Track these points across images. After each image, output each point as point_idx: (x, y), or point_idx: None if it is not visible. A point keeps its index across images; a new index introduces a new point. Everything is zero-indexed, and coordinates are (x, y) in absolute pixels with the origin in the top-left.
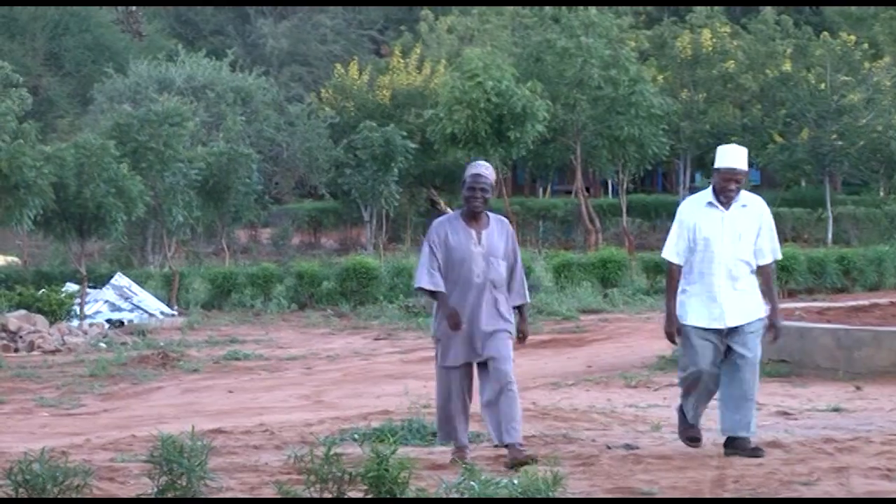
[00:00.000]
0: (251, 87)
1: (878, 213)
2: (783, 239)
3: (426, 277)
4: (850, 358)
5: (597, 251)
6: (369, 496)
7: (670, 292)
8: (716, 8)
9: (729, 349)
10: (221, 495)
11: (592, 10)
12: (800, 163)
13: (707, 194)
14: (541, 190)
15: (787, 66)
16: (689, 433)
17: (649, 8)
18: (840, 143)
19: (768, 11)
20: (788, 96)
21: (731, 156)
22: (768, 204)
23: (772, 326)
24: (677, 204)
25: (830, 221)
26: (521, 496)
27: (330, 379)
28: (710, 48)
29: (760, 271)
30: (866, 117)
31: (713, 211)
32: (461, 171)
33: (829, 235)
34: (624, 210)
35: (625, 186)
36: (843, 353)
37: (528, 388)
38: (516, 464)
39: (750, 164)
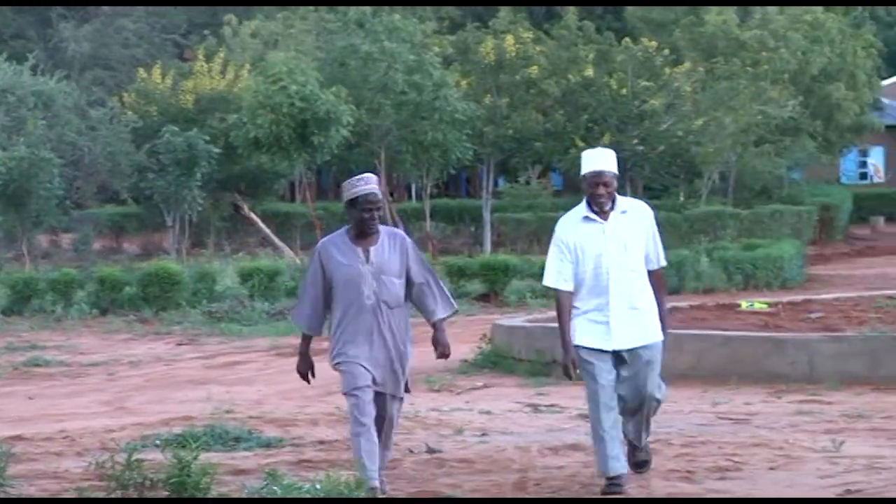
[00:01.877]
0: (52, 91)
1: (678, 218)
2: None
3: (298, 314)
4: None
5: None
6: (172, 498)
7: (563, 322)
8: (519, 14)
9: (621, 379)
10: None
11: (396, 15)
12: None
13: (581, 208)
14: None
15: (590, 72)
16: (613, 489)
17: (453, 14)
18: (641, 148)
19: (570, 17)
20: (591, 101)
21: (596, 158)
22: (569, 209)
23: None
24: (480, 208)
25: None
26: (325, 499)
27: (132, 385)
28: (514, 54)
29: (651, 277)
30: (667, 122)
31: (592, 225)
32: (265, 176)
33: None
34: (427, 214)
35: (428, 191)
36: None
37: (332, 391)
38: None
39: (552, 169)
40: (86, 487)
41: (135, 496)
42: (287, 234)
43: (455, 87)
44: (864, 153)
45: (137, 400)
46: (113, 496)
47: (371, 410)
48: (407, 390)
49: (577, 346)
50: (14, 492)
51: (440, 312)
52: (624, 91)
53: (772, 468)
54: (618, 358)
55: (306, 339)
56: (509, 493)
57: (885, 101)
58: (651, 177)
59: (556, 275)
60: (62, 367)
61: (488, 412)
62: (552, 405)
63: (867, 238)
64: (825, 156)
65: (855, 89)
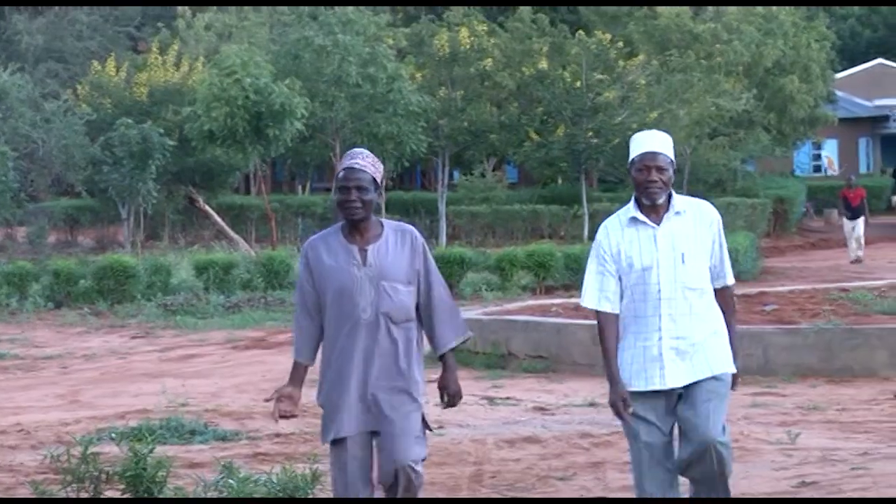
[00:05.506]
0: (6, 84)
1: None
2: (539, 236)
3: (294, 340)
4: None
5: None
6: (127, 495)
7: (608, 350)
8: (472, 7)
9: (678, 420)
10: None
11: (350, 7)
12: (556, 160)
13: (629, 209)
14: (300, 187)
15: (544, 65)
16: None
17: (407, 6)
18: (595, 140)
19: (525, 10)
20: (545, 94)
21: (647, 139)
22: (524, 202)
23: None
24: (435, 201)
25: (587, 218)
26: (280, 494)
27: (87, 378)
28: (468, 46)
29: (718, 296)
30: (621, 115)
31: (641, 229)
32: (220, 169)
33: (585, 232)
34: (383, 207)
35: (383, 184)
36: (599, 349)
37: None
38: None
39: (507, 162)
40: (41, 481)
41: (90, 489)
42: (242, 227)
43: (409, 79)
44: (818, 146)
45: (92, 393)
46: (68, 490)
47: (363, 468)
48: (427, 427)
49: None
50: None
51: (449, 338)
52: (578, 84)
53: None
54: (673, 396)
55: (297, 369)
56: (465, 486)
57: (839, 93)
58: (606, 169)
59: (596, 293)
60: (16, 361)
61: None
62: (508, 398)
63: (821, 230)
64: (779, 148)
65: (809, 82)
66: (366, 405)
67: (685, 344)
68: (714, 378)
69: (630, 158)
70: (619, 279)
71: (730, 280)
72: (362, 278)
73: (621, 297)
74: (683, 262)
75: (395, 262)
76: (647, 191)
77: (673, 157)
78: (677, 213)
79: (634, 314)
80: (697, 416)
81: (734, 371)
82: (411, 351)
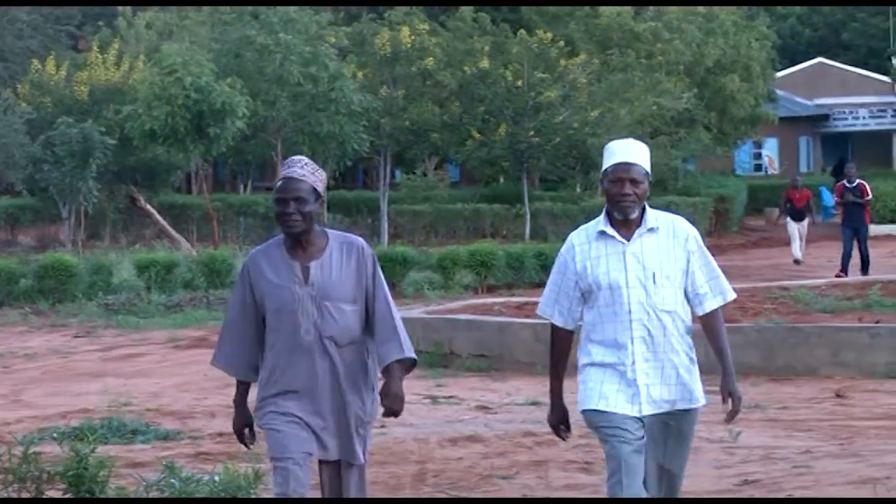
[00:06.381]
0: None
1: (574, 209)
2: (481, 235)
3: (218, 353)
4: (548, 352)
5: None
6: (68, 495)
7: (553, 366)
8: (414, 6)
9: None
10: None
11: (291, 7)
12: (498, 159)
13: (598, 222)
14: (242, 186)
15: (485, 64)
16: None
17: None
18: (537, 139)
19: (466, 9)
20: (487, 93)
21: (623, 149)
22: (466, 201)
23: (728, 395)
24: (377, 200)
25: (528, 217)
26: (223, 493)
27: (28, 378)
28: (409, 45)
29: (704, 322)
30: (563, 114)
31: (609, 245)
32: (161, 168)
33: (528, 231)
34: (325, 207)
35: (326, 183)
36: (542, 348)
37: (230, 383)
38: None
39: (448, 161)
40: None
41: (32, 489)
42: (183, 226)
43: (351, 78)
44: (759, 145)
45: (34, 393)
46: (10, 490)
47: (305, 484)
48: (392, 409)
49: (589, 411)
50: None
51: (395, 352)
52: (519, 83)
53: None
54: (644, 424)
55: (240, 387)
56: (409, 485)
57: (780, 92)
58: (547, 168)
59: (551, 304)
60: None
61: None
62: (451, 397)
63: (762, 229)
64: (720, 147)
65: (749, 81)
66: (310, 434)
67: (656, 367)
68: (686, 413)
69: (602, 168)
70: (581, 296)
71: (729, 296)
72: (304, 297)
73: (588, 313)
74: (655, 282)
75: (340, 280)
76: (619, 205)
77: (649, 169)
78: (650, 229)
79: (603, 335)
80: (662, 455)
81: (704, 402)
82: (357, 375)
